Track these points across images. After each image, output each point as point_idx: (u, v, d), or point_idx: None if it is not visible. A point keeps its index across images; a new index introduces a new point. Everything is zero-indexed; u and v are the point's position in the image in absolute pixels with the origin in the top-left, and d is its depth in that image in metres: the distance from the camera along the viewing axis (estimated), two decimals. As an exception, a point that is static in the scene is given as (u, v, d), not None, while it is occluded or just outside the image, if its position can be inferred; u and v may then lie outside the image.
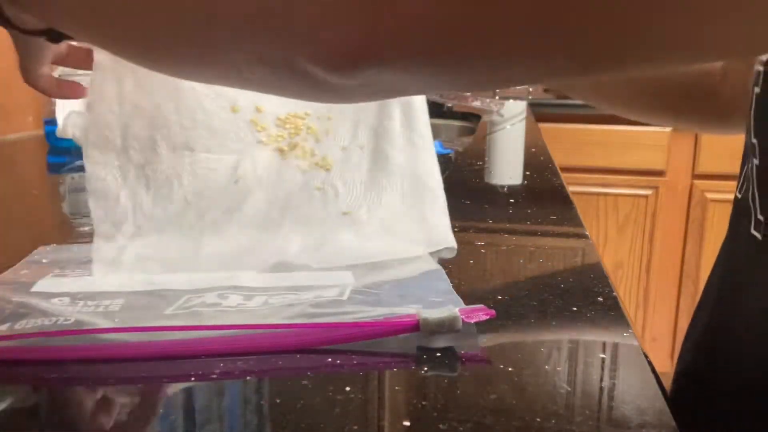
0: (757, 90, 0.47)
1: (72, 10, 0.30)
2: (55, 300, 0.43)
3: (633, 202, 2.04)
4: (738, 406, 0.47)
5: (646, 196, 2.04)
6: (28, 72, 0.48)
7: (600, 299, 0.46)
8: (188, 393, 0.35)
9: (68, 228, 0.61)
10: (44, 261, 0.51)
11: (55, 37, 0.43)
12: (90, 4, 0.29)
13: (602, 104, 0.72)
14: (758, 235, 0.46)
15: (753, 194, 0.47)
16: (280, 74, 0.28)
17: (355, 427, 0.31)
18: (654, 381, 0.35)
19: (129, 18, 0.28)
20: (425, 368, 0.36)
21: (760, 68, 0.46)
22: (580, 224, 0.63)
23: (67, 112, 0.57)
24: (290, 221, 0.54)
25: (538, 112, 1.82)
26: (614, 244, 2.05)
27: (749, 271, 0.48)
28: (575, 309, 0.45)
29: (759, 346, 0.45)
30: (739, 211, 0.49)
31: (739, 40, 0.24)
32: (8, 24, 0.39)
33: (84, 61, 0.51)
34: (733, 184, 0.53)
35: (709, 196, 2.00)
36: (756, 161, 0.46)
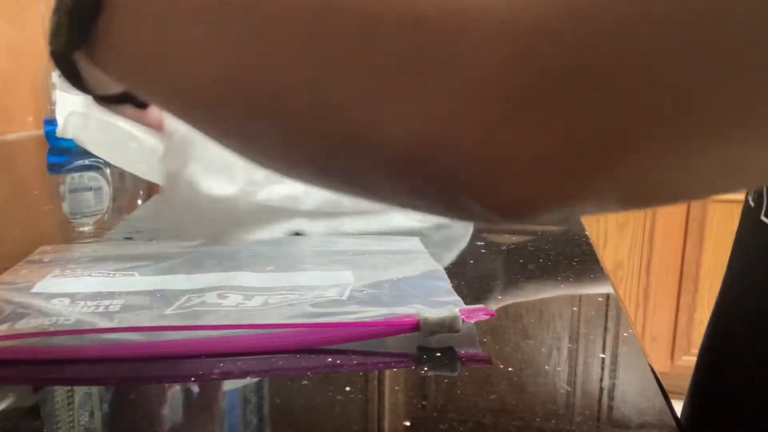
0: None
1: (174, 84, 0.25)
2: (55, 300, 0.43)
3: (633, 202, 2.04)
4: (750, 392, 0.47)
5: (646, 196, 2.03)
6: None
7: (600, 299, 0.46)
8: (188, 393, 0.35)
9: (68, 228, 0.61)
10: (44, 261, 0.51)
11: (131, 103, 0.36)
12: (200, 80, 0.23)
13: None
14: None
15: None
16: (433, 206, 0.23)
17: (355, 427, 0.31)
18: (654, 381, 0.35)
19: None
20: (425, 368, 0.36)
21: None
22: (580, 224, 0.63)
23: (67, 112, 0.57)
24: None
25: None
26: (614, 244, 2.05)
27: (757, 257, 0.47)
28: (575, 309, 0.45)
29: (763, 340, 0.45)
30: (749, 203, 0.49)
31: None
32: (84, 89, 0.32)
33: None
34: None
35: (709, 195, 1.99)
36: None
